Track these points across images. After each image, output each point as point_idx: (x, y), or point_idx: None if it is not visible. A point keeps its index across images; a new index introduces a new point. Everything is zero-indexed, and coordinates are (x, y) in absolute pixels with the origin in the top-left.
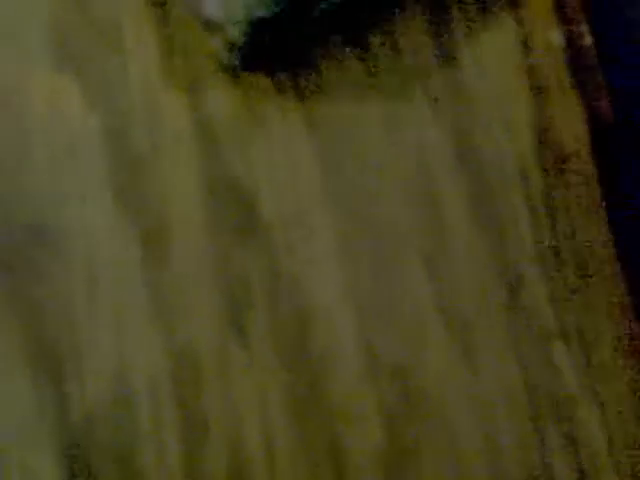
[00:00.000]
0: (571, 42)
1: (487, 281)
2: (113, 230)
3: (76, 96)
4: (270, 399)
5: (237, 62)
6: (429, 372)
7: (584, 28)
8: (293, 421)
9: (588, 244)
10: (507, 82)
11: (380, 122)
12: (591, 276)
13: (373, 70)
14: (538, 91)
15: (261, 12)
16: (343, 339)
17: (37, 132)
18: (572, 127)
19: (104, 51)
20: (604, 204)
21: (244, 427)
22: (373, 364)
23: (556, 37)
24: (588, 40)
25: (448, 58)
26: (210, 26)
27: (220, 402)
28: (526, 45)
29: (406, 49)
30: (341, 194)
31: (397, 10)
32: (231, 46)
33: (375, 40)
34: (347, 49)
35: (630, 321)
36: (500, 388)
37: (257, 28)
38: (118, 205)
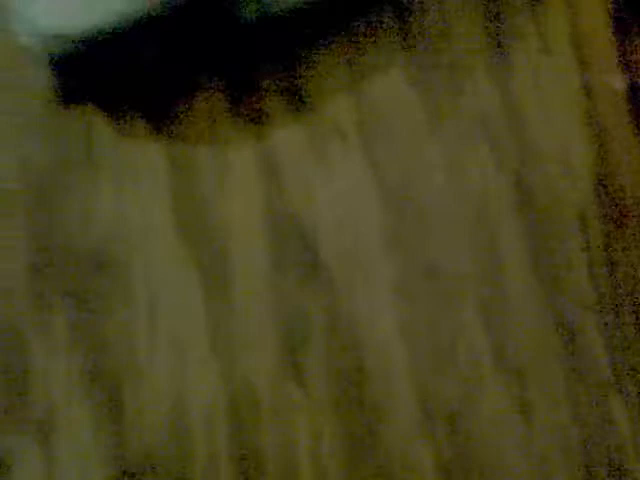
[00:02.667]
0: (633, 87)
1: (543, 329)
2: (175, 262)
3: (142, 127)
4: (325, 438)
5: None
6: (484, 421)
7: None
8: (347, 462)
9: None
10: (568, 127)
11: (442, 166)
12: None
13: (435, 113)
14: (599, 137)
15: (57, 50)
16: (398, 382)
17: (103, 161)
18: (633, 175)
19: None
20: None
21: (298, 464)
22: (428, 410)
23: (618, 82)
24: None
25: (510, 101)
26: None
27: (275, 437)
28: (588, 89)
29: (468, 92)
30: (401, 235)
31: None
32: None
33: (438, 82)
34: (409, 91)
35: None
36: (555, 439)
37: (61, 66)
38: (180, 237)
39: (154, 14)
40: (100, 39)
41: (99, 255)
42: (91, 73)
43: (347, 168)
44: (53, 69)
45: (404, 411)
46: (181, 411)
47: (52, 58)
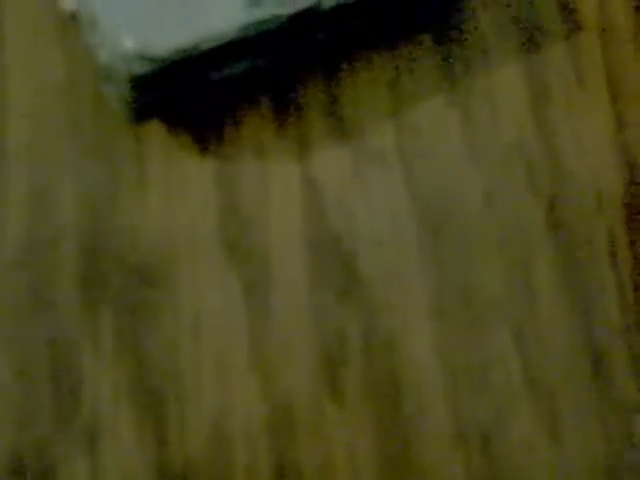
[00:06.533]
0: None
1: (573, 352)
2: (219, 277)
3: (191, 145)
4: (360, 454)
5: (130, 115)
6: (515, 442)
7: None
8: (382, 477)
9: None
10: (600, 155)
11: (479, 190)
12: None
13: (473, 138)
14: (630, 165)
15: (140, 69)
16: (433, 401)
17: (153, 177)
18: None
19: None
20: None
21: (335, 479)
22: (461, 429)
23: None
24: None
25: (545, 129)
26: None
27: (312, 452)
28: (620, 121)
29: (505, 118)
30: (438, 258)
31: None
32: (121, 98)
33: (476, 107)
34: (449, 115)
35: None
36: (584, 463)
37: (141, 84)
38: (225, 253)
39: (245, 34)
40: (181, 60)
41: (146, 269)
42: (165, 92)
43: (387, 190)
44: (131, 88)
45: (438, 430)
46: (222, 424)
47: (132, 77)
